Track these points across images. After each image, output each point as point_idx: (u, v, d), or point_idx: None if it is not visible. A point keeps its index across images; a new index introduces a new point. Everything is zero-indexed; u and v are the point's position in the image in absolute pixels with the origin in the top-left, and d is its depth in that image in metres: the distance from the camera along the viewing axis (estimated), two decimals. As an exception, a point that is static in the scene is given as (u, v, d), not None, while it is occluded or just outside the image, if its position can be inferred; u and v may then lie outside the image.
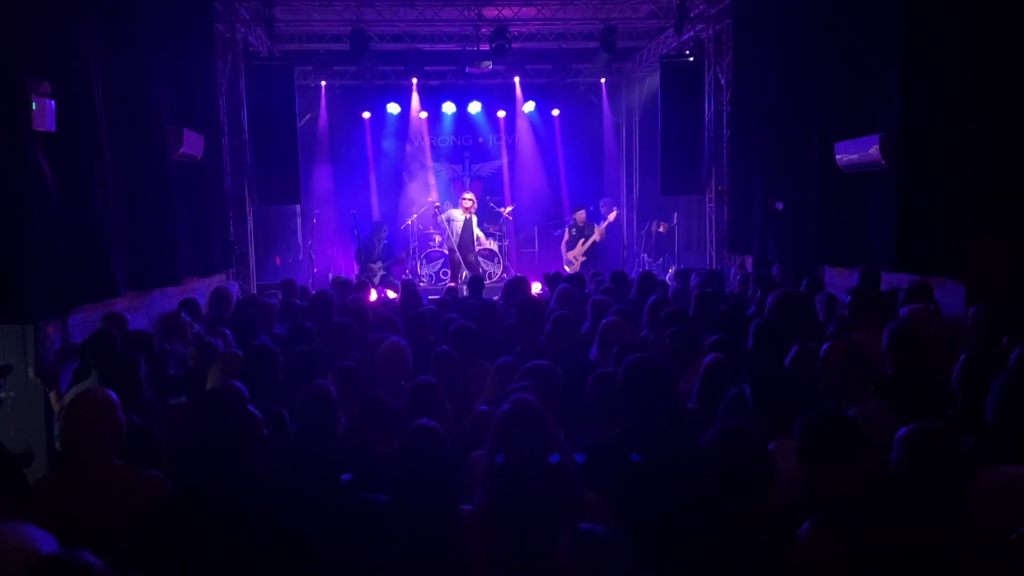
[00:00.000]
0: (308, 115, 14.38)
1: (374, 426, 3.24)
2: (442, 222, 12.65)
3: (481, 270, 12.71)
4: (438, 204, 13.37)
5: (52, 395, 4.97)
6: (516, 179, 15.66)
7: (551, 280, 8.23)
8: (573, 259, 12.97)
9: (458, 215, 12.53)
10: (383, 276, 12.52)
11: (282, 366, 4.32)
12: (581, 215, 13.33)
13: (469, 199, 12.62)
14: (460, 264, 12.38)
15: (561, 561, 2.23)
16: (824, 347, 3.75)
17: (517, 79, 14.67)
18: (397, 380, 4.40)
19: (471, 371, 4.85)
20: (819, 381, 3.69)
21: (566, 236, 13.31)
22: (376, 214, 14.72)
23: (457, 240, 12.37)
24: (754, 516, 2.50)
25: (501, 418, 2.67)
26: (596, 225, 13.19)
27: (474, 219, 12.57)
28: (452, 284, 11.55)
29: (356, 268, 12.78)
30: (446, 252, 12.97)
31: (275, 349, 4.49)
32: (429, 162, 15.55)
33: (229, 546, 2.70)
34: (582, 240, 12.98)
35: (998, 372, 3.20)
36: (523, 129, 15.65)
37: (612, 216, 13.23)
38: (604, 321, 5.19)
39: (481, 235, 12.94)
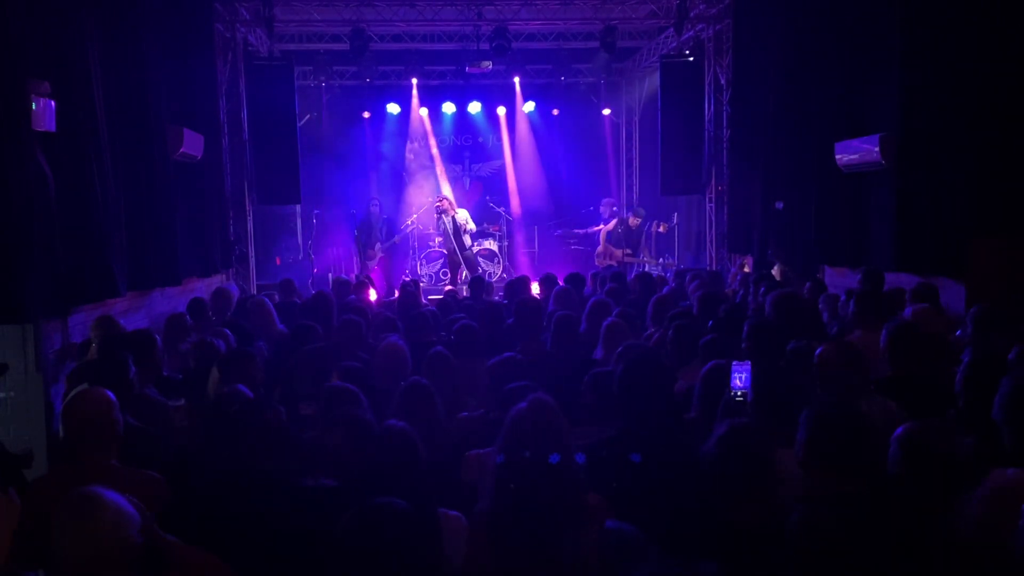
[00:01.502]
0: (308, 115, 14.36)
1: (353, 447, 3.13)
2: (442, 225, 12.61)
3: (480, 270, 12.71)
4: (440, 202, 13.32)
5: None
6: (516, 179, 15.64)
7: (551, 280, 8.21)
8: (606, 253, 12.66)
9: (445, 218, 12.47)
10: (382, 259, 12.50)
11: (262, 367, 4.34)
12: (640, 215, 12.91)
13: (443, 199, 12.60)
14: (458, 264, 12.39)
15: (590, 560, 2.23)
16: (819, 349, 3.75)
17: (517, 79, 14.66)
18: (396, 380, 4.40)
19: (470, 371, 4.86)
20: (816, 382, 3.70)
21: (611, 226, 12.88)
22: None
23: (451, 242, 12.39)
24: (757, 515, 2.50)
25: (517, 417, 2.67)
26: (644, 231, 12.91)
27: (455, 218, 12.39)
28: (450, 287, 11.51)
29: (355, 251, 12.77)
30: (445, 252, 12.92)
31: (251, 352, 4.50)
32: (438, 164, 15.51)
33: (228, 545, 2.70)
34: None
35: (999, 372, 3.19)
36: (523, 129, 15.65)
37: (663, 228, 13.01)
38: (606, 322, 5.20)
39: (469, 232, 12.75)
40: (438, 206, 12.44)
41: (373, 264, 12.45)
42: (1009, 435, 2.98)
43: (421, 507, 2.72)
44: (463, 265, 12.32)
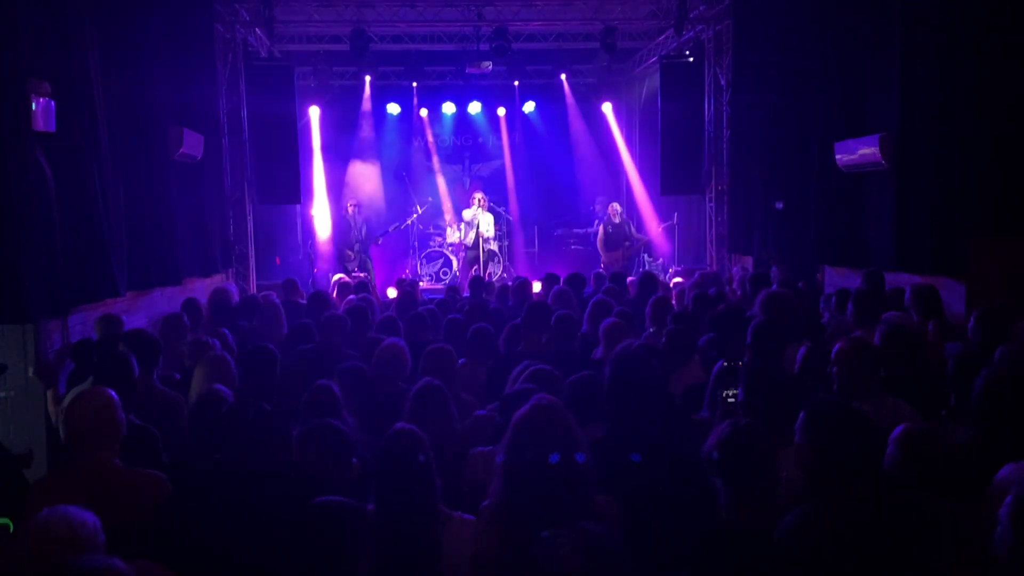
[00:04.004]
0: (307, 117, 14.28)
1: (325, 455, 3.11)
2: (471, 222, 12.61)
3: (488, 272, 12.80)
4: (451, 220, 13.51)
5: (49, 394, 4.95)
6: (516, 179, 15.65)
7: (552, 280, 8.20)
8: (610, 260, 12.82)
9: (471, 212, 12.56)
10: (361, 260, 12.49)
11: (279, 365, 4.32)
12: (611, 204, 13.18)
13: (478, 197, 12.76)
14: (476, 260, 12.43)
15: (564, 560, 2.23)
16: (837, 346, 3.75)
17: (516, 82, 14.66)
18: (395, 381, 4.39)
19: (474, 370, 4.86)
20: (832, 380, 3.69)
21: (600, 234, 13.07)
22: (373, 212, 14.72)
23: (474, 236, 12.45)
24: (756, 516, 2.50)
25: (520, 418, 2.67)
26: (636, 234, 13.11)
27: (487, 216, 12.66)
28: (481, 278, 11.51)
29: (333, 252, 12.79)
30: (468, 245, 12.83)
31: (272, 348, 4.48)
32: (435, 164, 15.56)
33: (225, 547, 2.70)
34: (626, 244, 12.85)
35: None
36: (523, 129, 15.65)
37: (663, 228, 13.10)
38: (606, 322, 5.19)
39: (488, 231, 12.86)
40: (478, 198, 12.51)
41: (353, 266, 12.43)
42: (983, 431, 3.01)
43: (424, 506, 2.73)
44: (479, 263, 12.37)
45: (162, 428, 3.85)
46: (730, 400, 3.38)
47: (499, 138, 15.75)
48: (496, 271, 13.53)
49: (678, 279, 10.07)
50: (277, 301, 6.96)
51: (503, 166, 15.83)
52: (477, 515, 2.75)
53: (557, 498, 2.51)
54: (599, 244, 12.92)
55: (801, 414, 2.73)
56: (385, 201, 15.23)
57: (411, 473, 2.75)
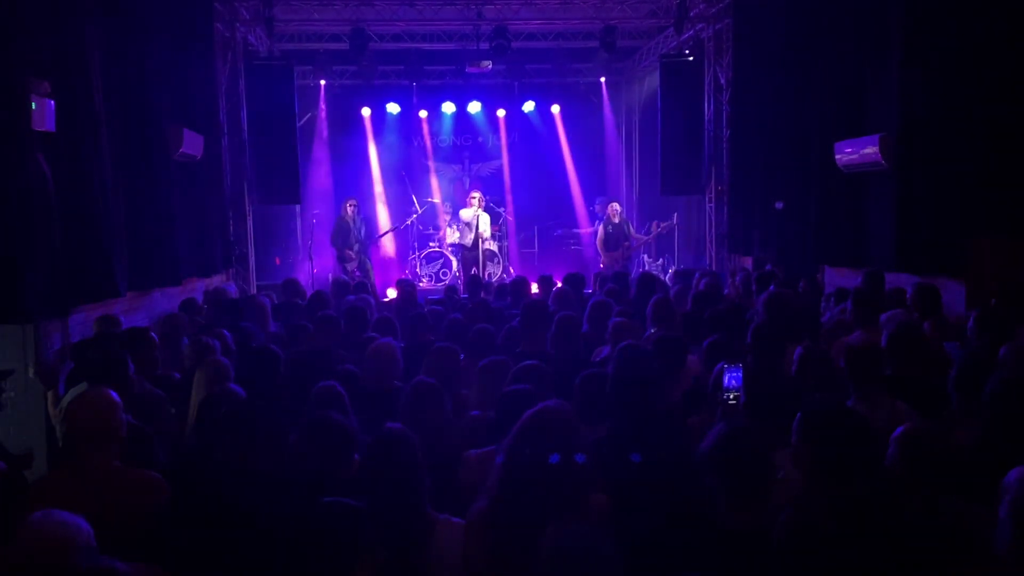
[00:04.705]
0: (308, 114, 14.34)
1: (326, 450, 3.06)
2: (470, 223, 12.58)
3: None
4: (448, 213, 13.42)
5: (50, 395, 4.96)
6: (516, 179, 15.64)
7: (548, 282, 8.19)
8: (610, 260, 12.85)
9: (471, 213, 12.54)
10: (360, 260, 12.47)
11: (282, 366, 4.32)
12: (610, 203, 13.17)
13: (477, 197, 12.72)
14: (475, 261, 12.42)
15: (547, 560, 2.23)
16: (847, 347, 3.74)
17: (517, 81, 14.64)
18: (388, 380, 4.38)
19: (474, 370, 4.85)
20: (840, 380, 3.69)
21: (600, 233, 12.99)
22: (373, 212, 14.70)
23: (473, 237, 12.43)
24: (753, 516, 2.50)
25: (527, 422, 2.66)
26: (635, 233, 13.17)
27: (479, 217, 12.60)
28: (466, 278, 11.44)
29: (333, 252, 12.78)
30: (466, 246, 12.80)
31: (276, 349, 4.47)
32: (430, 162, 15.55)
33: (224, 547, 2.70)
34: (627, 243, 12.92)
35: (989, 372, 3.22)
36: (523, 129, 15.65)
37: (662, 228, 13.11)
38: (612, 321, 5.19)
39: (486, 232, 12.83)
40: (476, 198, 12.49)
41: (352, 266, 12.43)
42: (995, 433, 3.01)
43: (413, 507, 2.73)
44: (478, 263, 12.36)
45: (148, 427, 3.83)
46: (731, 401, 3.37)
47: (499, 138, 15.74)
48: (495, 271, 13.51)
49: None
50: (264, 302, 6.95)
51: (503, 166, 15.82)
52: (468, 517, 2.74)
53: (553, 500, 2.51)
54: (599, 244, 12.91)
55: (798, 415, 2.73)
56: (385, 201, 15.23)
57: (398, 474, 2.74)
